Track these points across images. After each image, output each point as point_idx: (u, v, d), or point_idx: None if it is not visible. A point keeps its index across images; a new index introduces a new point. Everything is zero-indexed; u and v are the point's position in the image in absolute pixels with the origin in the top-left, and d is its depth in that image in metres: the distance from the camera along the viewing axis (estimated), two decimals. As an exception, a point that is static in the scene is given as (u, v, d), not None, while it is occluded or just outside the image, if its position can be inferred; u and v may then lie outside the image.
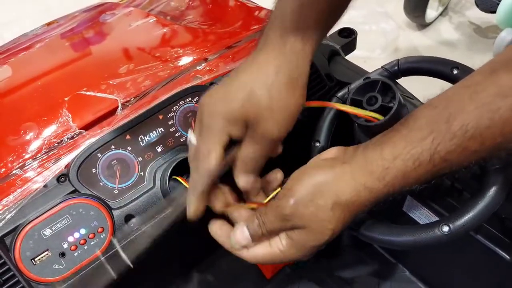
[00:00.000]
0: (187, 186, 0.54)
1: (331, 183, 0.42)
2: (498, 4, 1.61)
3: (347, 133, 0.61)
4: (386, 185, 0.40)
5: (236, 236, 0.46)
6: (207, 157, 0.45)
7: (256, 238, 0.46)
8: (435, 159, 0.39)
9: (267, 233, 0.45)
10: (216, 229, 0.48)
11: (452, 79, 0.61)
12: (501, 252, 0.69)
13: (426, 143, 0.39)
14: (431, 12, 2.06)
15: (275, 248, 0.45)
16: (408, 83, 0.65)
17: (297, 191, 0.42)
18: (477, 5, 1.73)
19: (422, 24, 2.09)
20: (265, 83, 0.44)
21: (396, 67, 0.63)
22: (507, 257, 0.68)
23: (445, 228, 0.49)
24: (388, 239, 0.52)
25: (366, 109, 0.48)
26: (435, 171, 0.40)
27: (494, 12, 1.64)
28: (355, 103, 0.49)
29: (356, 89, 0.50)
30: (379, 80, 0.48)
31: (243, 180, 0.47)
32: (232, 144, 0.46)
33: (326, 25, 0.49)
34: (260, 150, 0.45)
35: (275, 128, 0.44)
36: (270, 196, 0.49)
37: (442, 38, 2.06)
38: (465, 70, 0.60)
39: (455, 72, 0.61)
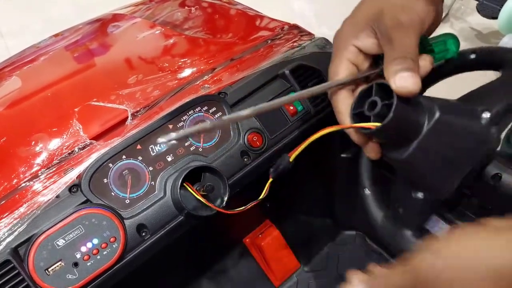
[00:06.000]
0: (196, 195, 0.55)
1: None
2: (499, 10, 1.62)
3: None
4: None
5: None
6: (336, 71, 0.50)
7: None
8: None
9: None
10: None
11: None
12: None
13: None
14: (433, 18, 2.07)
15: None
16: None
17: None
18: (479, 11, 1.74)
19: (424, 31, 2.11)
20: None
21: None
22: None
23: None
24: None
25: (370, 117, 0.45)
26: None
27: (496, 18, 1.65)
28: (360, 117, 0.47)
29: (354, 104, 0.47)
30: (372, 85, 0.46)
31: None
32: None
33: None
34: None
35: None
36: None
37: (444, 44, 2.07)
38: (483, 51, 0.54)
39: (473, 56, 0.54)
